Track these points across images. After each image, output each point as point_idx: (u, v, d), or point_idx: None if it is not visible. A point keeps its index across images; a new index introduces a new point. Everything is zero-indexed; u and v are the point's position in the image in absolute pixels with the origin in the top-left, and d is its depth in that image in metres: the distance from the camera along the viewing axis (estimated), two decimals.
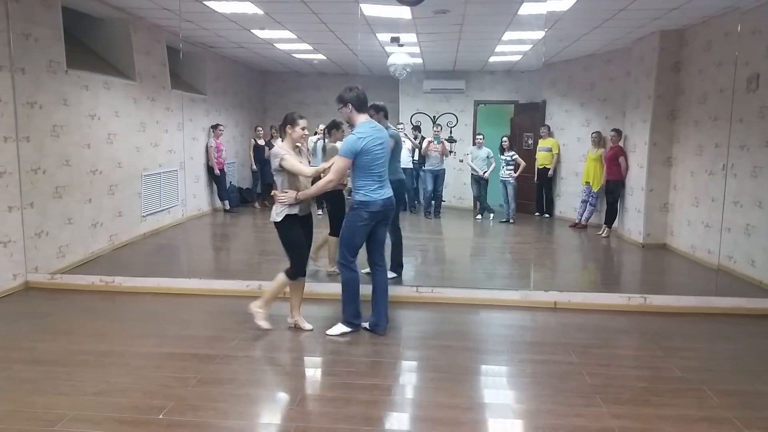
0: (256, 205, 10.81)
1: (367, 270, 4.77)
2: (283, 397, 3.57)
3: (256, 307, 4.51)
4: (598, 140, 9.01)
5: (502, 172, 9.54)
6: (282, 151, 4.31)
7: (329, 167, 4.36)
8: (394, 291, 5.43)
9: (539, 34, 7.67)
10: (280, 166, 4.28)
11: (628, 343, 4.61)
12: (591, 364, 4.04)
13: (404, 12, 6.56)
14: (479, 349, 4.36)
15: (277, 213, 4.35)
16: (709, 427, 3.22)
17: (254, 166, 10.62)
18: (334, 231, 5.76)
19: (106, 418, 3.17)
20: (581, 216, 9.25)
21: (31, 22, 5.62)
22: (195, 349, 4.17)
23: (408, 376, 3.88)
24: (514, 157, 9.52)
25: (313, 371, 3.97)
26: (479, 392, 3.74)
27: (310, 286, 5.14)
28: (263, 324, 4.49)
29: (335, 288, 4.94)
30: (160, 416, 3.19)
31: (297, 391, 3.60)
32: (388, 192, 4.43)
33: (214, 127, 9.87)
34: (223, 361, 3.97)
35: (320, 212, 10.23)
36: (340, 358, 4.11)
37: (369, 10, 6.55)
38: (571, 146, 9.82)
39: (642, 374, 3.93)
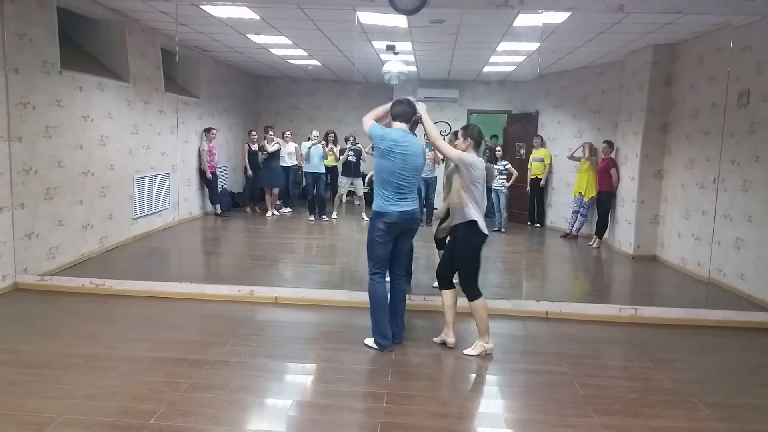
0: (248, 209, 10.78)
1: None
2: (275, 403, 3.55)
3: (483, 346, 4.37)
4: (589, 151, 9.09)
5: (495, 181, 9.58)
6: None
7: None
8: None
9: (534, 46, 7.73)
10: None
11: (619, 354, 4.63)
12: (582, 374, 4.05)
13: (401, 20, 6.58)
14: (471, 358, 4.35)
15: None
16: None
17: (249, 171, 10.59)
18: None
19: (95, 422, 3.14)
20: (572, 226, 9.31)
21: (26, 22, 5.59)
22: (186, 353, 4.14)
23: (400, 385, 3.86)
24: (506, 167, 9.57)
25: (306, 378, 3.95)
26: (471, 401, 3.74)
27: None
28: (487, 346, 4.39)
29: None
30: (151, 421, 3.17)
31: (289, 398, 3.57)
32: (406, 206, 4.28)
33: (207, 130, 9.85)
34: (215, 366, 3.94)
35: (311, 218, 10.24)
36: (333, 365, 4.10)
37: (366, 18, 6.57)
38: (563, 157, 9.88)
39: (633, 385, 3.94)
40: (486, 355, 4.33)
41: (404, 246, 4.46)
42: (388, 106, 4.43)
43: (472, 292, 4.35)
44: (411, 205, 4.31)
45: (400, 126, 4.33)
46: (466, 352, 4.36)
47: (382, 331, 4.37)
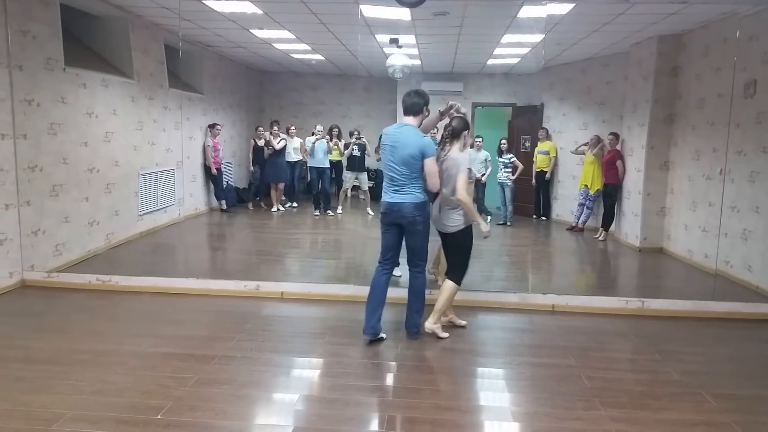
0: (250, 206, 10.78)
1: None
2: (281, 398, 3.56)
3: (431, 324, 4.46)
4: (596, 143, 9.04)
5: (500, 174, 9.56)
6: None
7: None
8: (391, 293, 5.42)
9: (538, 37, 7.69)
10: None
11: (626, 347, 4.61)
12: (589, 367, 4.04)
13: (404, 13, 6.56)
14: (477, 352, 4.36)
15: (464, 222, 4.41)
16: (707, 431, 3.22)
17: (252, 167, 10.61)
18: None
19: (104, 418, 3.15)
20: (578, 219, 9.28)
21: (30, 19, 5.60)
22: (193, 349, 4.15)
23: (406, 378, 3.86)
24: (512, 160, 9.54)
25: (312, 372, 3.95)
26: (477, 395, 3.74)
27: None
28: (444, 334, 4.49)
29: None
30: (159, 416, 3.18)
31: (296, 393, 3.58)
32: (395, 197, 4.26)
33: (212, 126, 9.86)
34: (222, 361, 3.95)
35: (317, 213, 10.24)
36: (339, 359, 4.10)
37: (369, 11, 6.55)
38: (568, 149, 9.84)
39: (640, 378, 3.93)
40: (472, 349, 4.41)
41: (409, 240, 4.37)
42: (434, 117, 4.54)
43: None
44: (400, 197, 4.24)
45: (407, 119, 4.32)
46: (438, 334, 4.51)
47: (365, 318, 4.37)
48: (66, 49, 6.15)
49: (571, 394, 3.62)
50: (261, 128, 10.72)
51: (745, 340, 4.81)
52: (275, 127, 10.40)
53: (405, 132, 4.25)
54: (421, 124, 4.38)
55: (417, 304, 4.48)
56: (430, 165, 4.18)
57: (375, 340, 4.35)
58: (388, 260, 4.43)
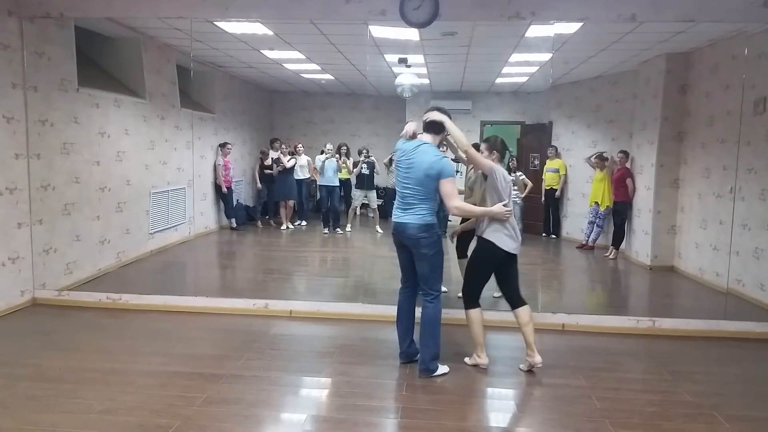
0: (259, 224, 10.83)
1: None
2: (290, 418, 3.54)
3: (478, 359, 4.32)
4: (601, 162, 9.01)
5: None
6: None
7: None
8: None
9: (546, 56, 7.73)
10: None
11: (637, 367, 4.57)
12: (600, 387, 4.01)
13: (412, 33, 6.62)
14: (486, 372, 4.32)
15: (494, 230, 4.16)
16: None
17: (259, 184, 10.72)
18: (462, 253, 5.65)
19: None
20: (588, 237, 9.23)
21: (45, 41, 5.70)
22: (201, 368, 4.15)
23: (415, 398, 3.84)
24: (521, 178, 9.52)
25: (321, 392, 3.94)
26: (486, 415, 3.71)
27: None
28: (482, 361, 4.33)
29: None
30: None
31: (304, 412, 3.57)
32: (402, 217, 4.08)
33: (222, 145, 9.94)
34: (230, 380, 3.95)
35: (326, 231, 10.25)
36: (347, 379, 4.08)
37: (378, 31, 6.61)
38: (578, 167, 9.83)
39: (652, 398, 3.88)
40: (481, 369, 4.30)
41: (416, 264, 4.13)
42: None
43: (470, 302, 4.29)
44: (407, 218, 4.05)
45: (426, 136, 4.14)
46: (465, 359, 4.39)
47: (398, 343, 4.31)
48: (79, 69, 6.26)
49: (581, 415, 3.58)
50: (265, 150, 10.84)
51: (758, 360, 4.75)
52: (283, 146, 10.50)
53: (423, 151, 4.03)
54: (440, 143, 4.19)
55: (426, 337, 4.13)
56: (447, 186, 3.97)
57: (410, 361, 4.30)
58: (407, 282, 4.27)
